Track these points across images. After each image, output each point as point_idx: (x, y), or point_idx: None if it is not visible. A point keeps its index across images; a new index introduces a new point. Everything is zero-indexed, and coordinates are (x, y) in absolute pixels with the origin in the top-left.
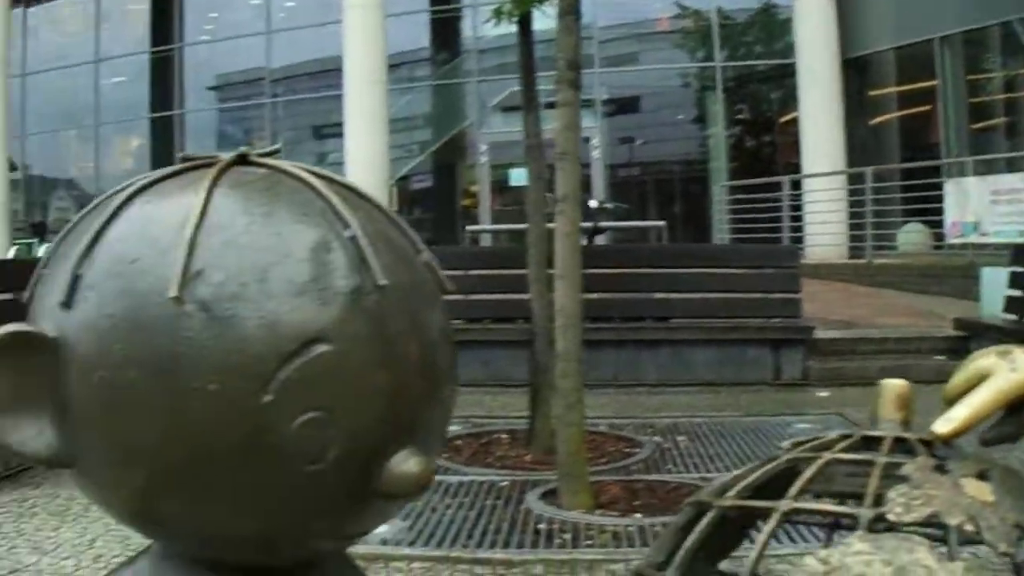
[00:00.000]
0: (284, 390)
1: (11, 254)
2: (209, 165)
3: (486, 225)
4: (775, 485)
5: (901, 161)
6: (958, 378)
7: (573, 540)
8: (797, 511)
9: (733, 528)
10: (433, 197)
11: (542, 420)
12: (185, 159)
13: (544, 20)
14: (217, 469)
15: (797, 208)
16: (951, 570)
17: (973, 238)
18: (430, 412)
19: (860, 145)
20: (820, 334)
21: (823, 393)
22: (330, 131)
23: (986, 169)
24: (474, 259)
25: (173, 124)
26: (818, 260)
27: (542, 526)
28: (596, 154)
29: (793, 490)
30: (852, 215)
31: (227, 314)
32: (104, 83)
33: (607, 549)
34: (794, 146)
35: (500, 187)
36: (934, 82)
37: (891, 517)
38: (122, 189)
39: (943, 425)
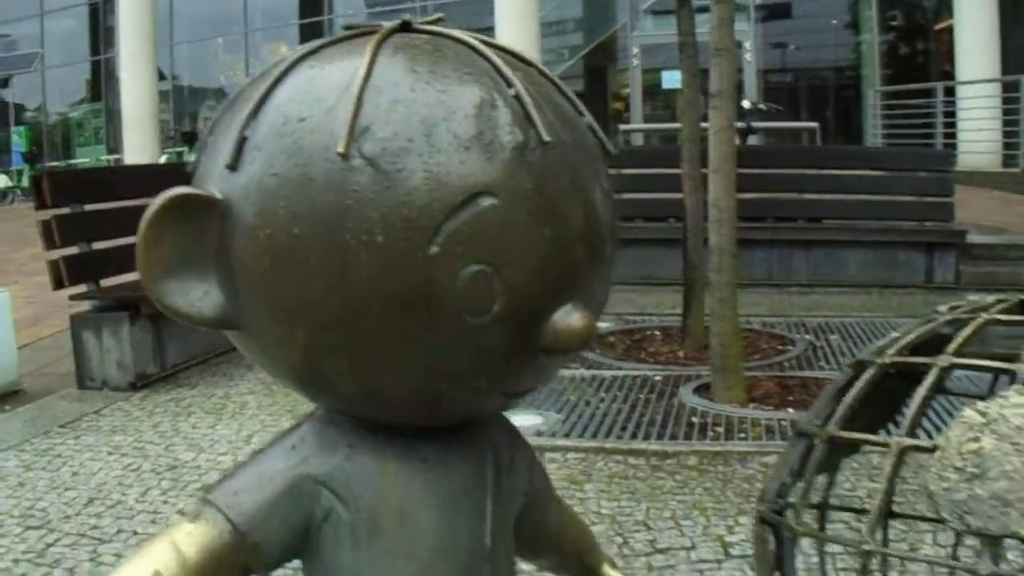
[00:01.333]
0: (450, 242)
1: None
2: (372, 33)
3: (644, 124)
4: (933, 345)
5: None
6: None
7: (726, 433)
8: (955, 367)
9: (890, 392)
10: (584, 101)
11: (695, 317)
12: (348, 27)
13: None
14: (382, 323)
15: (951, 115)
16: None
17: None
18: (592, 269)
19: (1016, 52)
20: (973, 238)
21: (974, 297)
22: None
23: None
24: (627, 158)
25: (323, 29)
26: (971, 167)
27: (695, 419)
28: (749, 57)
29: (952, 347)
30: (1006, 123)
31: (394, 168)
32: None
33: (760, 442)
34: (948, 53)
35: (651, 91)
36: None
37: None
38: (286, 58)
39: None
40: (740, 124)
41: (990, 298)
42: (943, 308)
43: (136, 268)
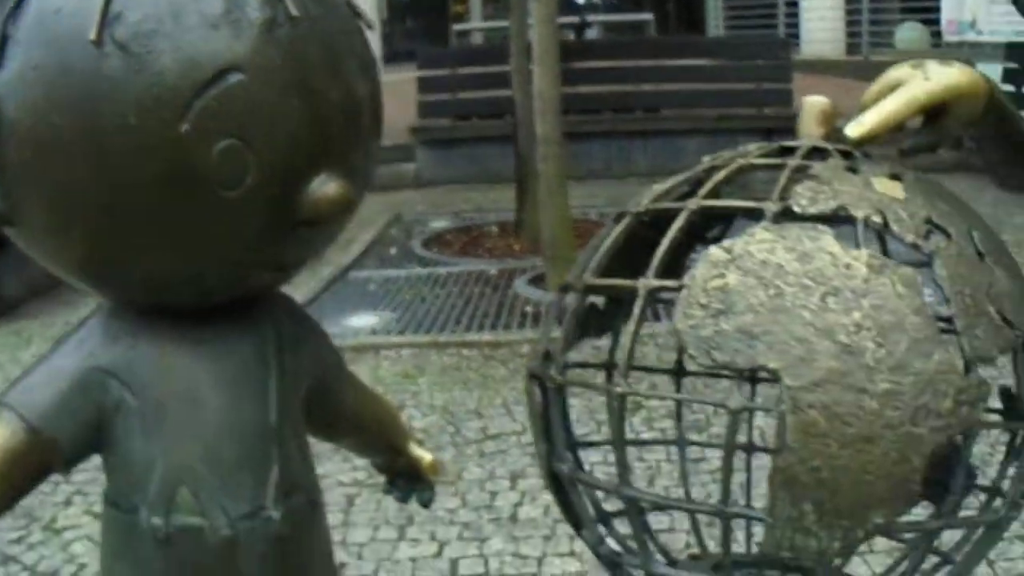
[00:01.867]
0: (201, 119)
1: None
2: None
3: (476, 23)
4: (693, 191)
5: None
6: (873, 88)
7: None
8: (704, 209)
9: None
10: (426, 4)
11: (529, 210)
12: None
13: None
14: (143, 203)
15: (794, 4)
16: (855, 256)
17: (969, 36)
18: (349, 140)
19: None
20: None
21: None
22: None
23: None
24: (459, 57)
25: None
26: (814, 56)
27: (529, 308)
28: None
29: (703, 191)
30: (849, 11)
31: (144, 51)
32: None
33: None
34: None
35: None
36: None
37: (796, 209)
38: None
39: (854, 128)
40: (575, 19)
41: (752, 146)
42: (706, 158)
43: None
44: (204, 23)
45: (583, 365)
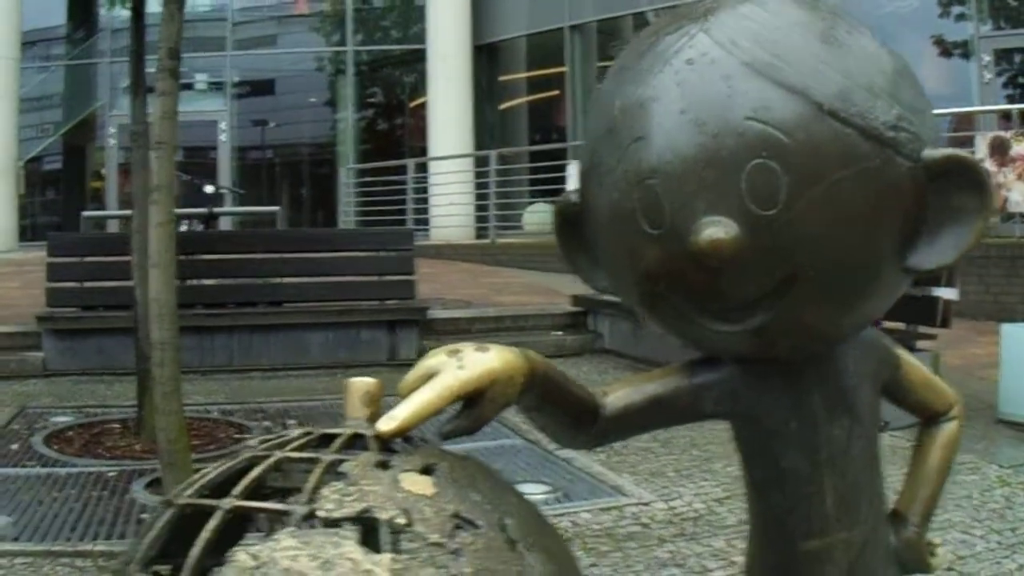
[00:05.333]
0: None
1: None
2: None
3: (108, 211)
4: (235, 481)
5: (529, 144)
6: (410, 376)
7: None
8: (238, 509)
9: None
10: (63, 179)
11: (149, 408)
12: None
13: (159, 6)
14: None
15: (424, 191)
16: (376, 561)
17: None
18: None
19: (488, 129)
20: (436, 314)
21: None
22: None
23: None
24: (89, 246)
25: None
26: (443, 241)
27: (145, 515)
28: (224, 137)
29: (237, 489)
30: (478, 197)
31: None
32: None
33: None
34: (423, 130)
35: (129, 170)
36: (563, 68)
37: (321, 513)
38: None
39: (386, 423)
40: (203, 210)
41: (296, 432)
42: (253, 442)
43: None
44: None
45: None
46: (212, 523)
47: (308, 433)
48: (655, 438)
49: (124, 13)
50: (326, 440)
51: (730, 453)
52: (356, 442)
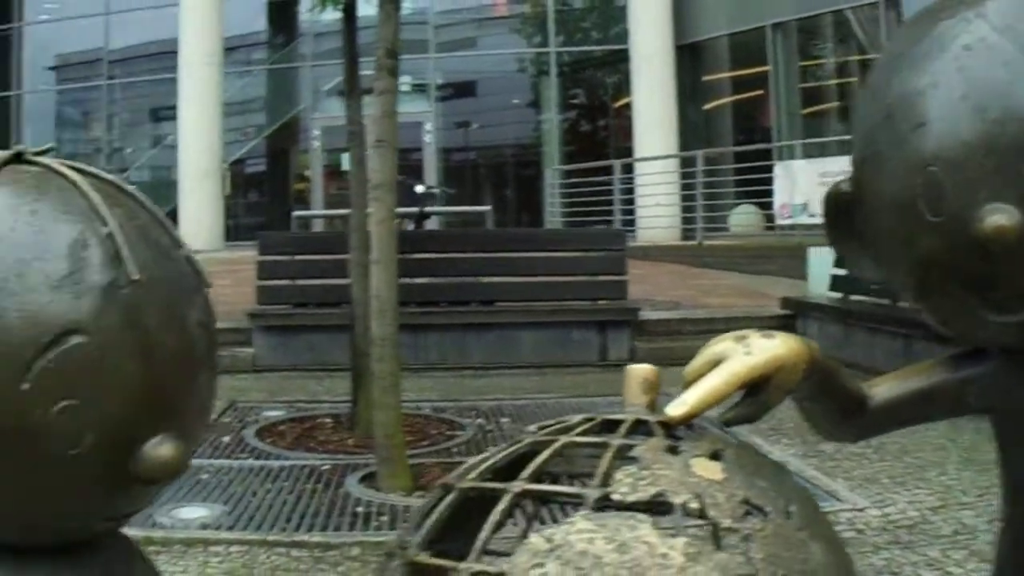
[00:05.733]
0: (40, 379)
1: None
2: None
3: (316, 211)
4: (517, 466)
5: (733, 145)
6: (696, 362)
7: (391, 522)
8: (528, 492)
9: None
10: (267, 181)
11: (363, 404)
12: None
13: (369, 7)
14: None
15: (630, 192)
16: (672, 545)
17: (802, 219)
18: (186, 399)
19: (693, 129)
20: (647, 315)
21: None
22: (166, 114)
23: (818, 152)
24: (300, 244)
25: (10, 105)
26: (650, 242)
27: (360, 509)
28: (429, 139)
29: (525, 472)
30: (684, 198)
31: None
32: None
33: None
34: (628, 130)
35: (333, 172)
36: (766, 68)
37: (616, 497)
38: None
39: (676, 408)
40: (414, 209)
41: (577, 417)
42: (532, 428)
43: None
44: (48, 283)
45: None
46: (500, 506)
47: (590, 419)
48: (868, 443)
49: (325, 18)
50: (608, 426)
51: (943, 461)
52: (638, 428)
